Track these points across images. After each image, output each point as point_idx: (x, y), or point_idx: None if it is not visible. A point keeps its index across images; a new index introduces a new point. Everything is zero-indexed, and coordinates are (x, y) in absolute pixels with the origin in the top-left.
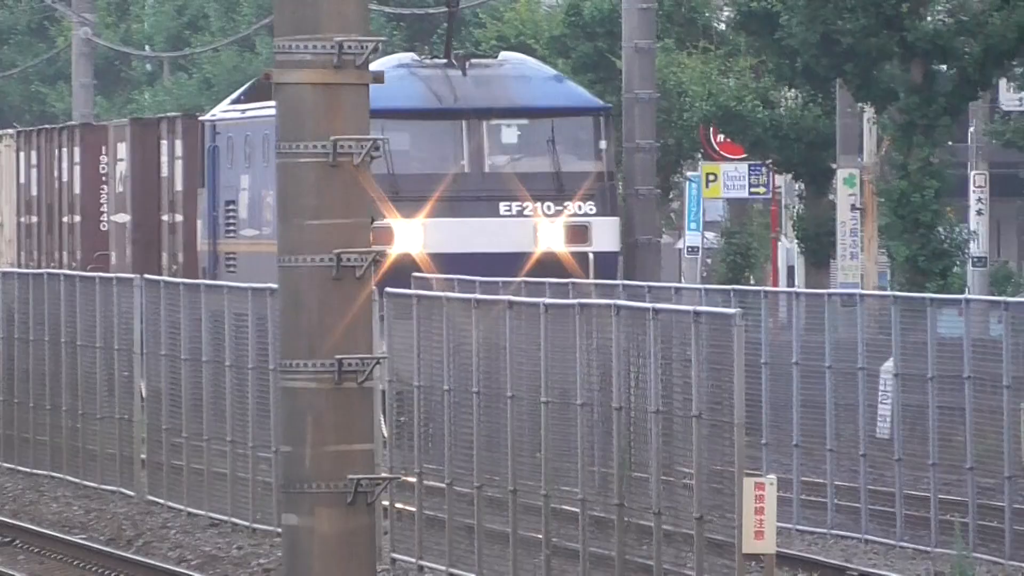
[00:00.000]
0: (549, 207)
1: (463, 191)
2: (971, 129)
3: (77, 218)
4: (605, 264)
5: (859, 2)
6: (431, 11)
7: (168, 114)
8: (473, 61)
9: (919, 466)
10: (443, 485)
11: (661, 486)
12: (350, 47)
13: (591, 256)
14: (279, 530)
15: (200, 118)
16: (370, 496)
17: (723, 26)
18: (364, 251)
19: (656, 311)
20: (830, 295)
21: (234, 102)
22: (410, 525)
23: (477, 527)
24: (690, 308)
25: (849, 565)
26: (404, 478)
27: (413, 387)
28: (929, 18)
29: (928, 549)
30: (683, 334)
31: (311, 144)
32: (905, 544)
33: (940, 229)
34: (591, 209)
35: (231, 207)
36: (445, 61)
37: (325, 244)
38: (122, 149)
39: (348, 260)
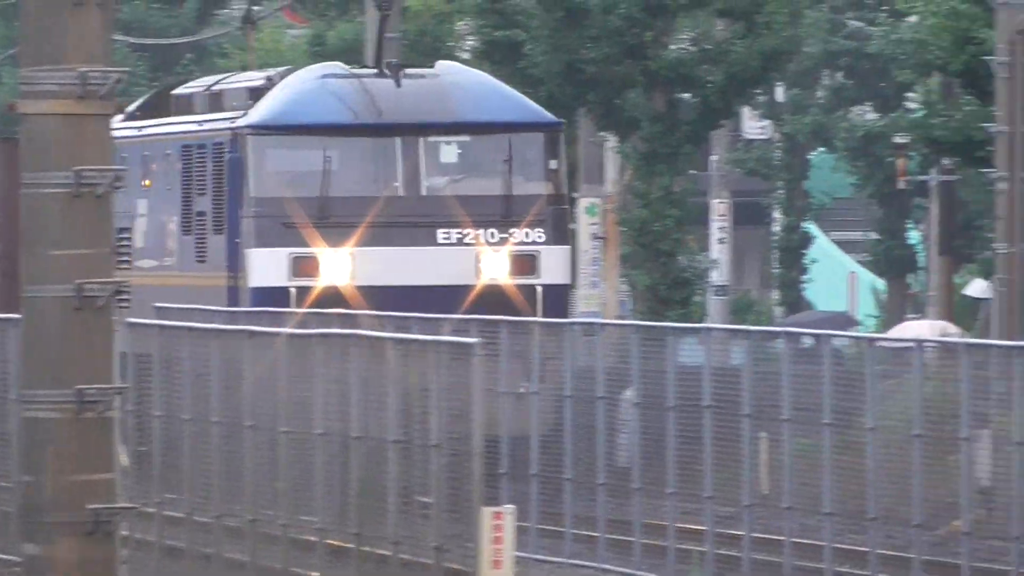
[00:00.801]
0: (493, 234)
1: (397, 216)
2: (714, 157)
3: None
4: (554, 298)
5: (602, 31)
6: (175, 41)
7: None
8: (407, 71)
9: (658, 495)
10: (183, 515)
11: (400, 515)
12: (94, 77)
13: (539, 289)
14: (19, 560)
15: None
16: (109, 526)
17: (467, 55)
18: (105, 282)
19: (397, 340)
20: (571, 324)
21: (128, 118)
22: (150, 555)
23: (216, 557)
24: (431, 338)
25: None
26: (143, 508)
27: (154, 417)
28: (672, 47)
29: None
30: (423, 363)
31: (55, 175)
32: (643, 573)
33: (681, 257)
34: (540, 237)
35: (124, 235)
36: (376, 71)
37: (67, 274)
38: None
39: (89, 291)
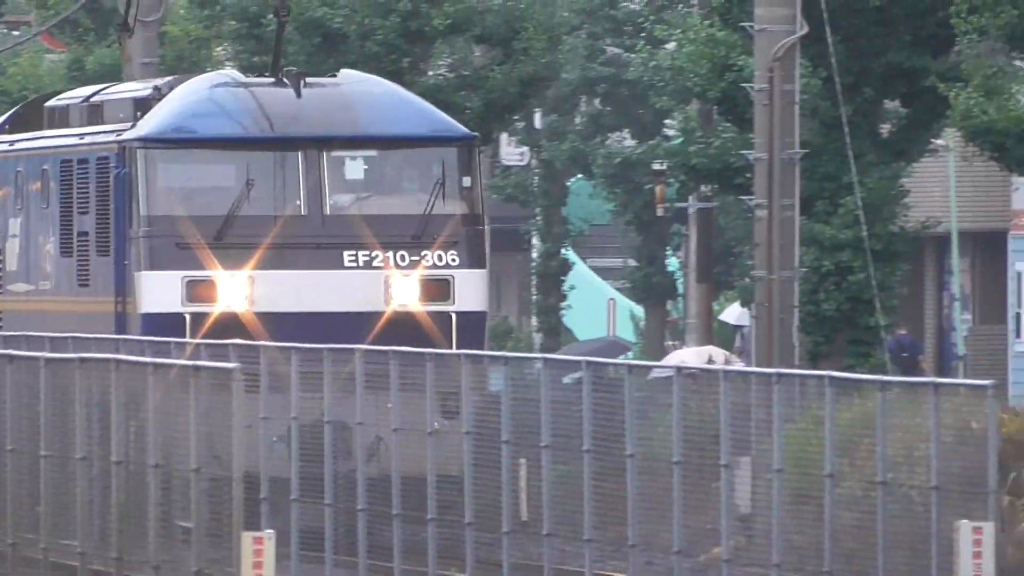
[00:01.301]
0: (403, 257)
1: (299, 237)
2: None
3: None
4: (470, 326)
5: (360, 57)
6: None
7: None
8: (309, 80)
9: (419, 520)
10: None
11: (160, 539)
12: None
13: (453, 316)
14: None
15: None
16: None
17: None
18: None
19: (156, 365)
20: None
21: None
22: None
23: None
24: (191, 363)
25: None
26: None
27: None
28: (431, 73)
29: None
30: (182, 388)
31: None
32: None
33: None
34: (454, 260)
35: None
36: (273, 79)
37: None
38: None
39: None
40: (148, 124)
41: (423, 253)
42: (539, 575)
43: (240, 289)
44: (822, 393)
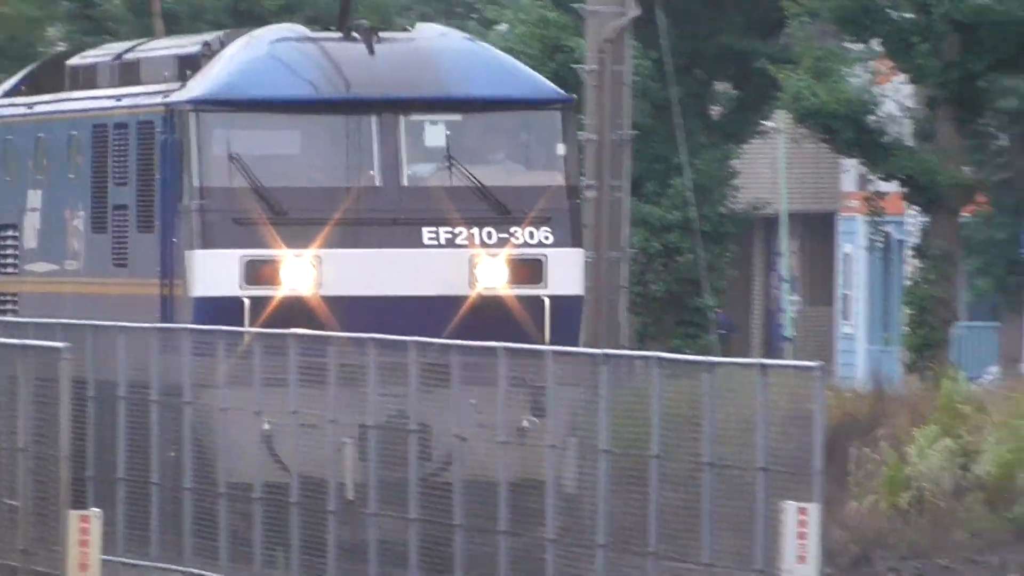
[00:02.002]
0: (490, 234)
1: (373, 212)
2: None
3: None
4: (565, 312)
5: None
6: None
7: None
8: (382, 35)
9: (242, 499)
10: None
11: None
12: None
13: (546, 301)
14: None
15: None
16: None
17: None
18: None
19: None
20: (183, 330)
21: (7, 94)
22: None
23: None
24: (19, 342)
25: None
26: None
27: None
28: None
29: None
30: (11, 368)
31: None
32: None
33: None
34: (547, 237)
35: (7, 233)
36: (342, 34)
37: None
38: None
39: None
40: (201, 84)
41: (512, 230)
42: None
43: (306, 270)
44: (649, 374)
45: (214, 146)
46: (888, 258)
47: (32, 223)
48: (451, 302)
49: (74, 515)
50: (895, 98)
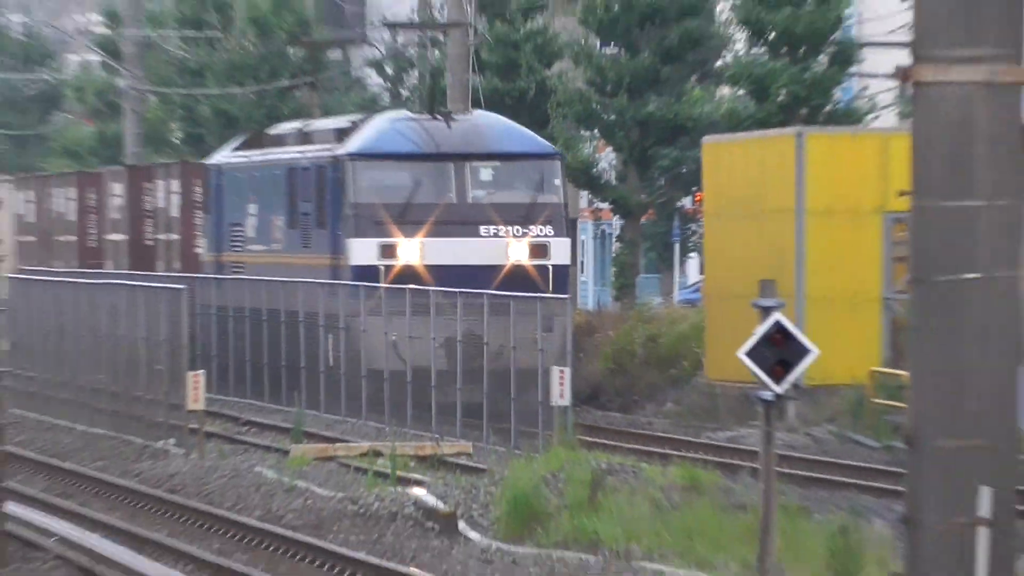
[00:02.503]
0: (517, 230)
1: (451, 217)
2: None
3: (74, 237)
4: (560, 274)
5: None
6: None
7: (165, 161)
8: (454, 115)
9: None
10: None
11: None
12: None
13: (550, 268)
14: None
15: (207, 162)
16: None
17: None
18: None
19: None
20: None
21: (236, 149)
22: None
23: None
24: (160, 285)
25: None
26: None
27: None
28: None
29: None
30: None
31: None
32: None
33: None
34: (549, 232)
35: (237, 229)
36: (430, 116)
37: None
38: (118, 188)
39: None
40: (353, 144)
41: (529, 227)
42: None
43: (415, 250)
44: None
45: (361, 179)
46: (604, 242)
47: (251, 223)
48: (496, 269)
49: (190, 374)
50: (607, 159)
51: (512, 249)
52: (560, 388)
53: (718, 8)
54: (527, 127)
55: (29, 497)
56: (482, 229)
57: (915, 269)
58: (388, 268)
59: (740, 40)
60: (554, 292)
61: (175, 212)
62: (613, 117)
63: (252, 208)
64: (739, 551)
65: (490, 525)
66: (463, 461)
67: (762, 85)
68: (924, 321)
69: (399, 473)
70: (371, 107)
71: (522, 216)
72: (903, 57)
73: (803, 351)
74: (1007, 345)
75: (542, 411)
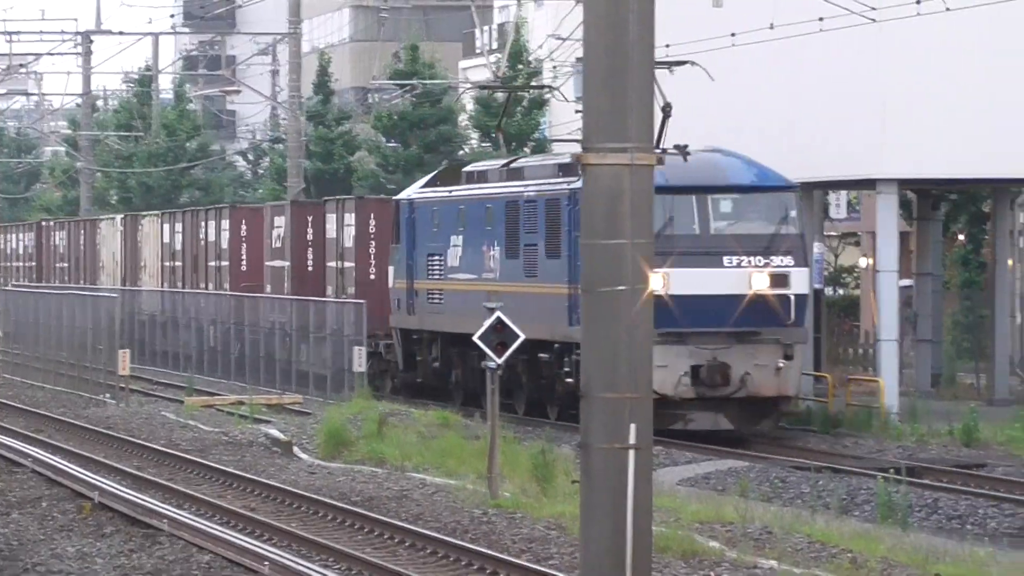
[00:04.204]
0: (759, 260)
1: (696, 248)
2: None
3: (225, 263)
4: (801, 304)
5: None
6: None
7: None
8: (688, 151)
9: None
10: None
11: None
12: None
13: (792, 297)
14: None
15: (397, 198)
16: None
17: None
18: None
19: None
20: None
21: (424, 187)
22: None
23: None
24: (94, 294)
25: None
26: None
27: None
28: None
29: None
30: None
31: None
32: None
33: None
34: (789, 262)
35: (434, 259)
36: (662, 150)
37: None
38: (280, 220)
39: None
40: None
41: (771, 258)
42: None
43: (660, 280)
44: None
45: None
46: None
47: (451, 254)
48: (739, 298)
49: (120, 351)
50: None
51: (754, 279)
52: (359, 360)
53: (461, 118)
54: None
55: (13, 431)
56: (725, 260)
57: (585, 283)
58: None
59: (475, 137)
60: (797, 321)
61: (348, 243)
62: (394, 187)
63: (454, 239)
64: (475, 465)
65: (314, 449)
66: (297, 408)
67: None
68: (591, 316)
69: (256, 416)
70: (239, 183)
71: (763, 247)
72: (578, 148)
73: (515, 336)
74: (644, 331)
75: (347, 376)
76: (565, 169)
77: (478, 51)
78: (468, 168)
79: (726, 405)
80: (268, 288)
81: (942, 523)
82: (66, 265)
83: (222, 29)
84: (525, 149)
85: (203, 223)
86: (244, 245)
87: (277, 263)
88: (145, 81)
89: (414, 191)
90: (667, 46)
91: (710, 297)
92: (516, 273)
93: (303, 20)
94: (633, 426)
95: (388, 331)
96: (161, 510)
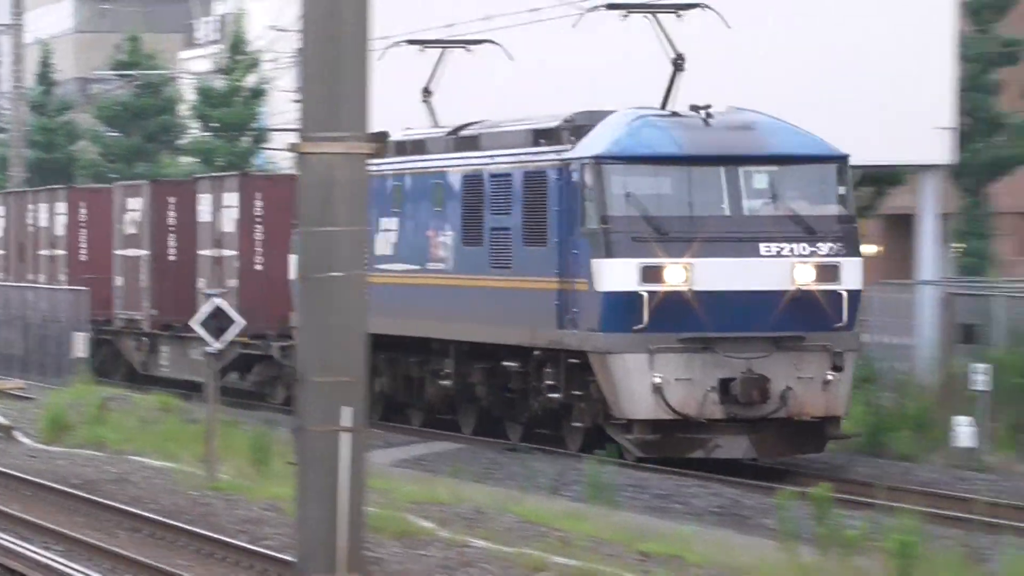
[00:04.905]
0: (804, 248)
1: (726, 233)
2: None
3: (61, 252)
4: (852, 301)
5: None
6: None
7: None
8: (710, 111)
9: None
10: None
11: None
12: None
13: (844, 294)
14: None
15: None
16: None
17: None
18: None
19: None
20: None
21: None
22: None
23: None
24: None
25: None
26: None
27: None
28: None
29: None
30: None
31: None
32: None
33: None
34: (840, 250)
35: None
36: (671, 112)
37: None
38: (135, 203)
39: None
40: (596, 145)
41: (817, 245)
42: None
43: (682, 273)
44: None
45: (613, 187)
46: None
47: (385, 239)
48: (779, 294)
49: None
50: None
51: (798, 271)
52: (80, 346)
53: (181, 106)
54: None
55: None
56: (762, 248)
57: (301, 270)
58: (652, 294)
59: (196, 127)
60: (848, 322)
61: (229, 227)
62: (118, 176)
63: (385, 223)
64: (195, 449)
65: (35, 433)
66: (19, 393)
67: (208, 155)
68: (307, 303)
69: None
70: None
71: (807, 231)
72: (294, 137)
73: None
74: (358, 316)
75: (69, 363)
76: (548, 136)
77: (198, 42)
78: (399, 137)
79: (761, 427)
80: (119, 281)
81: (650, 502)
82: None
83: None
84: (245, 138)
85: (30, 206)
86: (85, 231)
87: (131, 252)
88: None
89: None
90: None
91: (743, 294)
92: (479, 264)
93: (25, 11)
94: (347, 409)
95: (285, 331)
96: None
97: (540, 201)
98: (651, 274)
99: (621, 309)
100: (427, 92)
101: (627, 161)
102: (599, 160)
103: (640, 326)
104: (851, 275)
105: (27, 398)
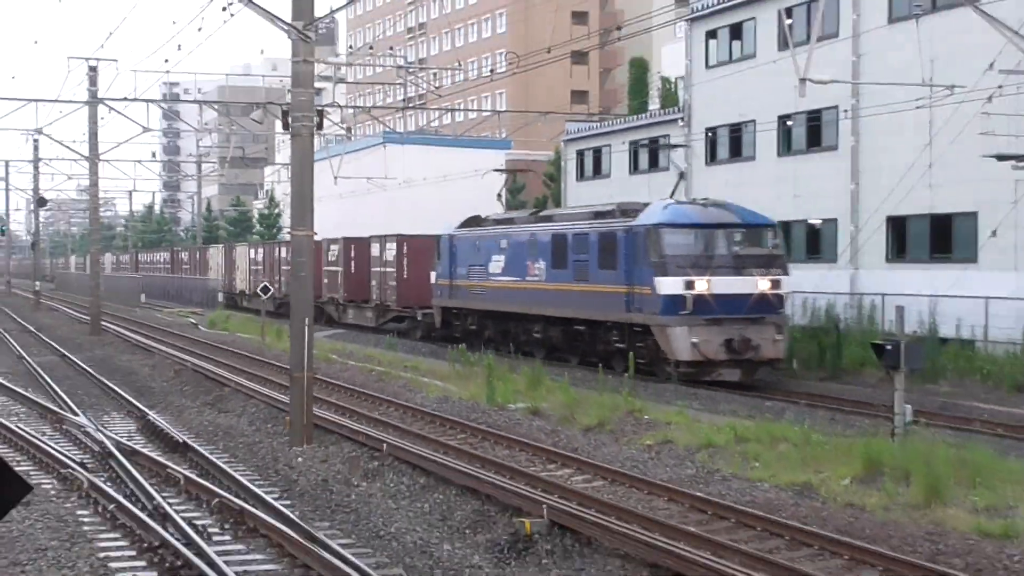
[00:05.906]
0: (764, 271)
1: (727, 263)
2: None
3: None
4: (784, 299)
5: None
6: None
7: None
8: (705, 200)
9: None
10: None
11: None
12: None
13: (783, 295)
14: None
15: (437, 236)
16: None
17: None
18: None
19: None
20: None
21: (459, 227)
22: None
23: None
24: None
25: None
26: None
27: None
28: None
29: None
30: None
31: None
32: None
33: None
34: (780, 272)
35: (474, 268)
36: (691, 200)
37: None
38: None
39: None
40: (650, 219)
41: (769, 269)
42: None
43: (705, 284)
44: None
45: (665, 240)
46: None
47: (496, 264)
48: (752, 295)
49: None
50: None
51: (760, 283)
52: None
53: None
54: None
55: None
56: (745, 271)
57: (295, 266)
58: (690, 295)
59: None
60: (783, 310)
61: (390, 258)
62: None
63: (496, 257)
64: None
65: (205, 326)
66: (195, 314)
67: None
68: (295, 285)
69: None
70: None
71: (767, 263)
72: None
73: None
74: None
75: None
76: (605, 215)
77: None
78: (491, 216)
79: (743, 364)
80: (326, 280)
81: (688, 401)
82: None
83: None
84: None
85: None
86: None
87: (331, 268)
88: None
89: (450, 232)
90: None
91: (735, 295)
92: (564, 279)
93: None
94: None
95: (427, 305)
96: None
97: (612, 247)
98: (689, 285)
99: (673, 303)
100: (499, 196)
101: (670, 227)
102: (657, 226)
103: (685, 312)
104: (785, 285)
105: (198, 314)
